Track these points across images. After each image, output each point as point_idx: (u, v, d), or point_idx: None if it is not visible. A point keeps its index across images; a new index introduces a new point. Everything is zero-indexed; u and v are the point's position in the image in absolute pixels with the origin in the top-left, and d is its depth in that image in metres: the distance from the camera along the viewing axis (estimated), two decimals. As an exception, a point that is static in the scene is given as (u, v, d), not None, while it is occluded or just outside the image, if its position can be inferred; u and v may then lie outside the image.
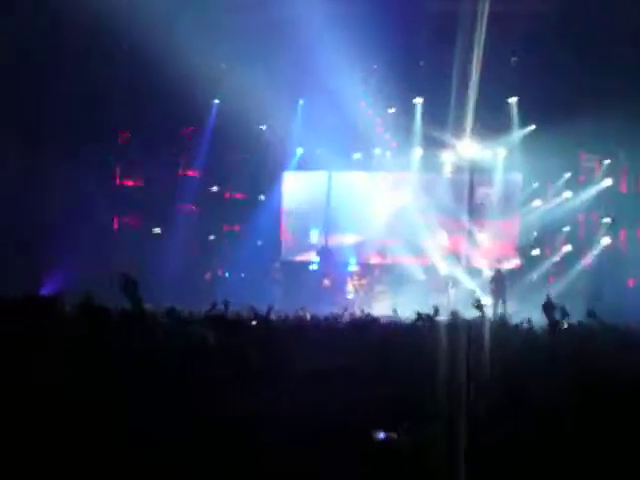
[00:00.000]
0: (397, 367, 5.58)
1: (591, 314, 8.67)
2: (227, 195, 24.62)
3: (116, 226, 22.62)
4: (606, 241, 22.14)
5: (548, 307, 7.34)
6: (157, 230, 22.67)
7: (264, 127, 24.13)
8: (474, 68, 21.17)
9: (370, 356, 6.08)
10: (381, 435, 3.99)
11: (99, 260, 20.96)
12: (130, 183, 22.64)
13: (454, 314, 8.29)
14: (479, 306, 8.72)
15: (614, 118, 19.22)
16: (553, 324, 7.26)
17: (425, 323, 7.90)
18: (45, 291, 18.18)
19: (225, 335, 6.71)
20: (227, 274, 23.46)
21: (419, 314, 7.96)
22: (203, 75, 20.48)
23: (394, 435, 4.02)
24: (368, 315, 10.79)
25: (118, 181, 22.48)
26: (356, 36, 20.13)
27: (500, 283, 20.34)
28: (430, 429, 4.17)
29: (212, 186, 24.06)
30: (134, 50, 19.02)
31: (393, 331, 8.52)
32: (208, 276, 23.09)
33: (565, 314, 10.62)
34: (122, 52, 19.67)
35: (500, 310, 18.79)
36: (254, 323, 8.03)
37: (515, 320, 11.68)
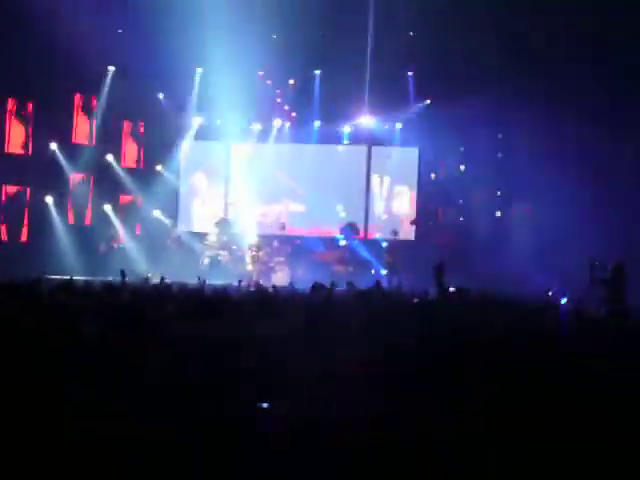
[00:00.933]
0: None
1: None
2: (123, 165, 24.10)
3: (3, 196, 21.84)
4: (498, 214, 22.80)
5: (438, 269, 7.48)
6: (48, 199, 22.03)
7: (161, 95, 23.70)
8: (371, 40, 21.32)
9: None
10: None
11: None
12: (19, 151, 21.85)
13: (349, 284, 8.40)
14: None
15: (506, 93, 19.72)
16: (441, 289, 7.44)
17: (321, 293, 8.00)
18: None
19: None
20: (121, 245, 23.02)
21: (314, 284, 8.05)
22: (98, 41, 19.95)
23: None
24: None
25: (7, 149, 21.65)
26: (256, 4, 19.97)
27: (395, 254, 20.68)
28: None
29: (106, 155, 23.48)
30: (27, 12, 18.33)
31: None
32: (102, 247, 22.62)
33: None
34: (15, 13, 18.88)
35: (395, 281, 19.11)
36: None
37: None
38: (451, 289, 10.39)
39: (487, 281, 14.65)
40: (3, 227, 21.77)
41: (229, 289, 11.35)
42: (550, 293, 13.68)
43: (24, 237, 22.06)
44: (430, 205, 23.79)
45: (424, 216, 23.55)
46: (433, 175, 23.62)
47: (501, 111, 21.46)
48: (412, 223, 23.22)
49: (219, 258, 22.52)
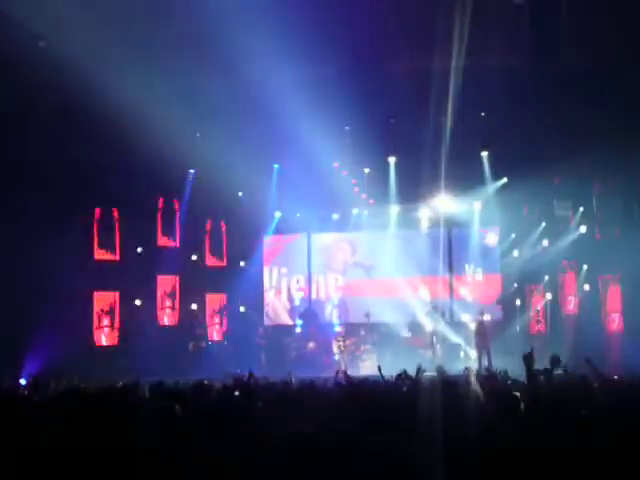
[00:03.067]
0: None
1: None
2: (207, 263, 24.59)
3: (96, 301, 22.43)
4: (586, 288, 22.28)
5: (528, 358, 7.30)
6: (137, 302, 22.56)
7: (241, 193, 24.27)
8: (445, 123, 21.47)
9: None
10: None
11: (81, 338, 20.89)
12: (107, 257, 22.53)
13: (439, 370, 8.27)
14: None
15: (584, 166, 19.52)
16: (531, 376, 7.23)
17: (406, 382, 7.90)
18: (27, 373, 18.01)
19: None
20: (209, 343, 23.30)
21: (400, 374, 7.97)
22: (178, 145, 20.65)
23: None
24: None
25: (95, 256, 22.36)
26: (326, 98, 20.40)
27: (483, 335, 20.32)
28: None
29: (191, 255, 24.02)
30: (109, 123, 19.13)
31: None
32: (192, 346, 22.91)
33: (556, 363, 10.62)
34: (97, 125, 19.75)
35: (485, 362, 18.76)
36: (237, 393, 7.99)
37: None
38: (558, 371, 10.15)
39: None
40: (96, 332, 22.28)
41: (317, 382, 11.28)
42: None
43: (115, 341, 22.52)
44: (514, 284, 23.36)
45: (510, 295, 23.14)
46: (516, 252, 23.30)
47: (582, 184, 21.22)
48: (498, 303, 22.85)
49: (306, 350, 22.54)
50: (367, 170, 24.12)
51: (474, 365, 18.74)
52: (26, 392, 10.83)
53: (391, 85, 21.30)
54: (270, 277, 25.27)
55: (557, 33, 19.30)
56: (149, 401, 8.13)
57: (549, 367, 9.96)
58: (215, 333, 24.06)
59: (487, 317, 21.21)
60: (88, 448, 5.16)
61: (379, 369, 11.38)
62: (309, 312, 23.94)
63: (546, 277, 22.90)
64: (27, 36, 17.66)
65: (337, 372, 13.57)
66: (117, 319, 22.65)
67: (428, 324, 22.76)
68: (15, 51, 17.57)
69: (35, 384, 11.30)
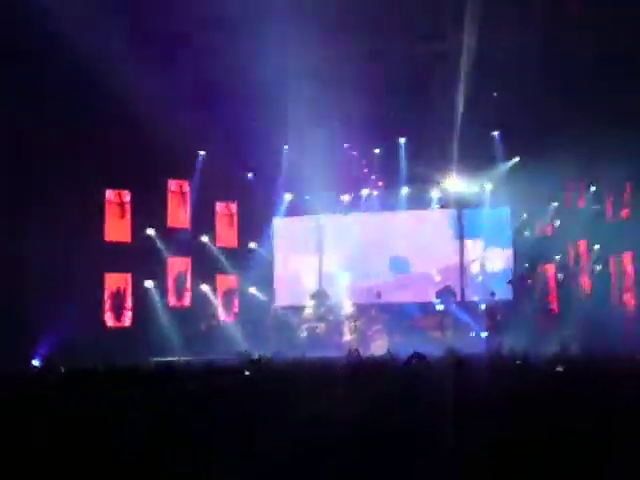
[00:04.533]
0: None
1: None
2: (218, 244, 24.63)
3: (107, 283, 22.53)
4: (597, 267, 22.22)
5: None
6: (149, 284, 22.65)
7: (251, 175, 24.29)
8: (456, 103, 21.39)
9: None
10: None
11: (93, 319, 21.01)
12: (118, 239, 22.61)
13: (450, 351, 8.28)
14: None
15: (596, 145, 19.40)
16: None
17: (418, 363, 7.93)
18: (39, 355, 18.17)
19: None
20: (221, 323, 23.41)
21: (412, 355, 8.00)
22: (188, 127, 20.64)
23: None
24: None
25: (107, 238, 22.44)
26: (336, 79, 20.36)
27: (494, 316, 20.28)
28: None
29: (202, 236, 24.08)
30: (120, 105, 19.16)
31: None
32: (203, 326, 23.03)
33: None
34: (108, 107, 19.78)
35: (496, 343, 18.74)
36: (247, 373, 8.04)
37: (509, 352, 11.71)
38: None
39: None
40: (108, 314, 22.40)
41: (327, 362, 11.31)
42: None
43: (128, 322, 22.64)
44: (526, 264, 23.32)
45: (520, 275, 23.11)
46: (527, 233, 23.24)
47: (592, 163, 21.09)
48: (509, 283, 22.82)
49: (317, 330, 22.60)
50: (377, 151, 24.07)
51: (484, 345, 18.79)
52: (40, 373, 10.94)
53: (402, 65, 21.25)
54: (280, 258, 25.30)
55: (570, 13, 19.17)
56: (165, 381, 8.19)
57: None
58: (226, 314, 24.13)
59: (498, 297, 21.17)
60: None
61: (389, 351, 11.40)
62: (320, 293, 23.97)
63: (557, 257, 22.85)
64: (38, 11, 17.62)
65: (349, 351, 13.63)
66: (129, 301, 22.75)
67: (438, 304, 22.78)
68: (25, 30, 17.63)
69: (48, 365, 11.40)
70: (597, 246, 22.26)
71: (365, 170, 24.52)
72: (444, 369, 7.56)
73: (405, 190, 24.21)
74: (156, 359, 15.89)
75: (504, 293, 22.38)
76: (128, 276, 22.77)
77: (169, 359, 16.24)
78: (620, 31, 18.82)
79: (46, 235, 19.26)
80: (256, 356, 10.33)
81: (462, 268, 23.86)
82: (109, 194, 22.68)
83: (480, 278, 23.72)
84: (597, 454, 4.44)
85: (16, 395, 6.80)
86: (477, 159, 22.57)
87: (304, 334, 22.51)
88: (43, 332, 18.69)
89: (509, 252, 23.53)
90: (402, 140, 23.63)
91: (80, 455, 4.63)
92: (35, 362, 17.44)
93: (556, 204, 23.00)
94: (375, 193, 24.74)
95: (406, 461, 4.43)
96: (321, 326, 22.75)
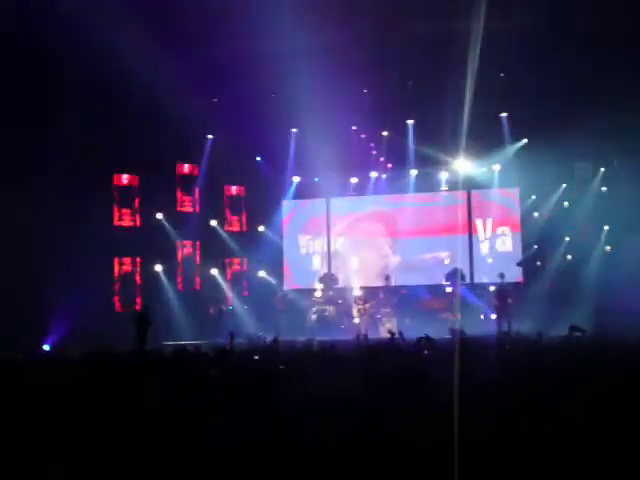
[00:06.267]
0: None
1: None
2: (227, 229, 24.67)
3: (116, 267, 22.58)
4: (607, 248, 22.17)
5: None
6: (158, 268, 22.69)
7: (259, 158, 24.26)
8: (464, 85, 21.27)
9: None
10: None
11: (102, 303, 21.06)
12: (127, 224, 22.66)
13: (454, 332, 8.30)
14: None
15: (605, 127, 19.31)
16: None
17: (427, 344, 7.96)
18: (50, 340, 18.25)
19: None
20: (230, 307, 23.45)
21: (421, 337, 8.02)
22: (195, 111, 20.60)
23: None
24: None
25: (116, 222, 22.47)
26: (343, 61, 20.26)
27: (504, 298, 20.26)
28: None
29: (210, 220, 24.10)
30: (127, 89, 19.17)
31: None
32: (212, 310, 23.07)
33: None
34: (117, 92, 19.78)
35: (505, 325, 18.76)
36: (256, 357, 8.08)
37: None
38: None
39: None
40: (117, 298, 22.47)
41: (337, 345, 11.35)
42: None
43: (137, 306, 22.70)
44: (535, 245, 23.27)
45: (530, 257, 23.07)
46: (536, 214, 23.18)
47: (600, 144, 20.98)
48: (518, 265, 22.78)
49: (326, 313, 22.64)
50: (385, 133, 24.00)
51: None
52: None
53: (409, 47, 21.12)
54: (289, 242, 25.32)
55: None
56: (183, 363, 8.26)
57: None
58: (235, 298, 24.16)
59: (507, 279, 21.12)
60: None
61: (400, 334, 11.43)
62: (328, 276, 23.99)
63: (567, 238, 22.79)
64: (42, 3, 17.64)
65: (357, 336, 13.69)
66: (138, 285, 22.81)
67: (447, 287, 22.78)
68: (35, 21, 17.63)
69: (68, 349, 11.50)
70: (607, 227, 22.19)
71: (374, 152, 24.46)
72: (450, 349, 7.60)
73: (414, 172, 24.15)
74: (166, 343, 15.98)
75: (513, 275, 22.35)
76: (137, 260, 22.82)
77: (180, 343, 16.33)
78: (624, 7, 18.64)
79: (54, 220, 19.32)
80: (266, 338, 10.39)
81: (471, 250, 23.82)
82: (117, 178, 22.68)
83: (490, 260, 23.68)
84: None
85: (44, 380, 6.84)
86: (486, 140, 22.47)
87: (314, 317, 22.56)
88: (53, 317, 18.76)
89: (518, 234, 23.47)
90: (410, 122, 23.55)
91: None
92: (46, 347, 17.52)
93: (565, 185, 22.91)
94: (384, 176, 24.69)
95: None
96: (330, 309, 22.79)
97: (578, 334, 10.50)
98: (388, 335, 10.67)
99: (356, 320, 21.90)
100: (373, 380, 6.14)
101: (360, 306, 22.08)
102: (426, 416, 4.78)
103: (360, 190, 24.93)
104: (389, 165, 24.61)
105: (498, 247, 23.73)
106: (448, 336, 11.97)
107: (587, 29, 19.39)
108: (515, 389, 5.48)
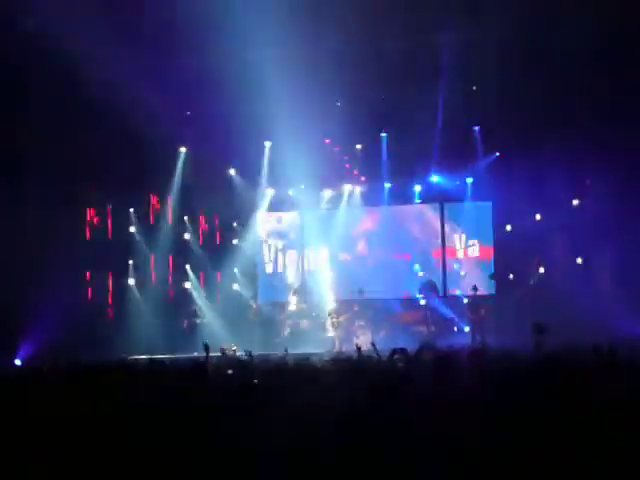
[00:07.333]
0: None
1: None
2: (200, 242, 24.58)
3: (88, 281, 22.44)
4: (578, 261, 22.34)
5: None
6: (130, 281, 22.58)
7: (232, 171, 24.21)
8: (437, 98, 21.43)
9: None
10: None
11: (73, 319, 20.88)
12: (99, 237, 22.55)
13: (426, 345, 8.34)
14: None
15: (578, 140, 19.51)
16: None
17: (401, 358, 7.98)
18: (23, 354, 18.08)
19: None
20: (204, 320, 23.34)
21: (394, 350, 8.06)
22: (168, 124, 20.57)
23: None
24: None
25: (88, 236, 22.34)
26: (317, 74, 20.33)
27: (477, 310, 20.39)
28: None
29: (185, 233, 24.02)
30: (100, 102, 19.12)
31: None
32: (186, 324, 22.97)
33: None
34: (90, 106, 19.75)
35: (478, 338, 18.85)
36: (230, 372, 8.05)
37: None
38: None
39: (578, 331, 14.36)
40: (90, 311, 22.30)
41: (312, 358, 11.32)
42: None
43: (110, 318, 22.59)
44: (508, 257, 23.39)
45: (503, 269, 23.19)
46: (509, 227, 23.33)
47: (574, 157, 21.18)
48: (491, 277, 22.92)
49: (300, 326, 22.62)
50: (359, 146, 24.07)
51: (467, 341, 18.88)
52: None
53: (382, 61, 21.23)
54: (263, 254, 25.25)
55: (552, 6, 19.21)
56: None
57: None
58: (208, 311, 24.05)
59: (480, 292, 21.25)
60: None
61: (373, 345, 11.41)
62: (303, 288, 23.97)
63: (539, 252, 22.92)
64: (21, 19, 17.60)
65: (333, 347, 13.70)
66: (110, 298, 22.67)
67: (421, 300, 22.86)
68: (12, 37, 17.58)
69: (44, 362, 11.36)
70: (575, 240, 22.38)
71: (347, 165, 24.51)
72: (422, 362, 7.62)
73: (387, 185, 24.22)
74: (137, 357, 15.87)
75: (487, 288, 22.49)
76: (110, 273, 22.68)
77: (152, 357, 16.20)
78: (603, 23, 18.86)
79: (25, 234, 19.17)
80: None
81: (444, 262, 23.92)
82: (88, 190, 22.56)
83: (462, 273, 23.78)
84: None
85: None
86: (459, 154, 22.61)
87: (287, 330, 22.53)
88: (24, 332, 18.59)
89: (491, 247, 23.60)
90: (384, 135, 23.65)
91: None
92: (17, 362, 17.34)
93: (537, 199, 23.07)
94: (358, 188, 24.72)
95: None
96: (304, 322, 22.77)
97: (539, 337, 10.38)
98: (356, 350, 10.68)
99: (330, 333, 21.88)
100: (345, 392, 6.14)
101: (334, 319, 22.07)
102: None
103: (334, 203, 24.94)
104: (363, 178, 24.65)
105: (471, 260, 23.84)
106: (420, 349, 11.97)
107: (558, 44, 19.60)
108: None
